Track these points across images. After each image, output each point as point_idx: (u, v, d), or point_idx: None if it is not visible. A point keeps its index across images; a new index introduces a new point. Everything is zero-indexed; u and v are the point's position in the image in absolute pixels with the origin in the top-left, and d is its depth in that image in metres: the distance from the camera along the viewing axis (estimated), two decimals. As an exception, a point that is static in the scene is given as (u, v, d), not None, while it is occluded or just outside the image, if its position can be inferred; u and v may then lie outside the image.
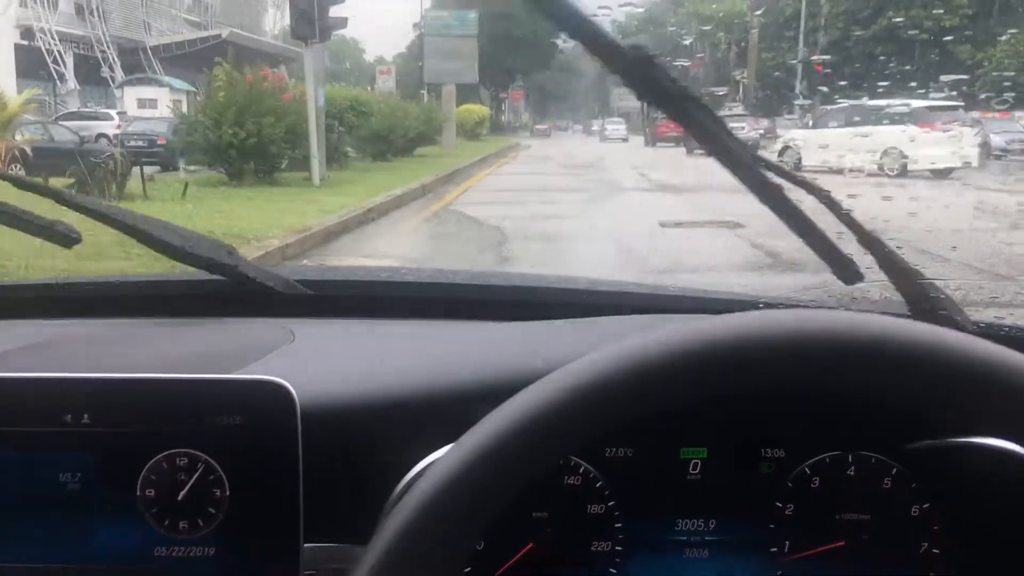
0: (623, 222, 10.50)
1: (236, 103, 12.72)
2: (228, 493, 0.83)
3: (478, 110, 37.45)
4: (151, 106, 27.76)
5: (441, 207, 11.91)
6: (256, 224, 8.53)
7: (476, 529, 0.56)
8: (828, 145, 14.97)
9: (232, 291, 1.16)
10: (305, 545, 0.83)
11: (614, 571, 0.96)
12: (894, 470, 0.95)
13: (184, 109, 16.83)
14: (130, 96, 31.14)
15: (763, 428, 0.95)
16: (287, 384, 0.82)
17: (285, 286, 1.14)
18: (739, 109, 23.68)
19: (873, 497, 0.95)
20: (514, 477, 0.56)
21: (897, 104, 15.04)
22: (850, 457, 0.95)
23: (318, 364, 0.96)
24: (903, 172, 14.20)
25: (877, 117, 15.42)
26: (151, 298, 1.20)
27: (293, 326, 1.09)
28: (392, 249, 8.81)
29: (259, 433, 0.82)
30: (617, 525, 0.96)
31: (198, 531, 0.83)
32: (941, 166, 14.35)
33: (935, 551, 0.95)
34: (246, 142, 12.58)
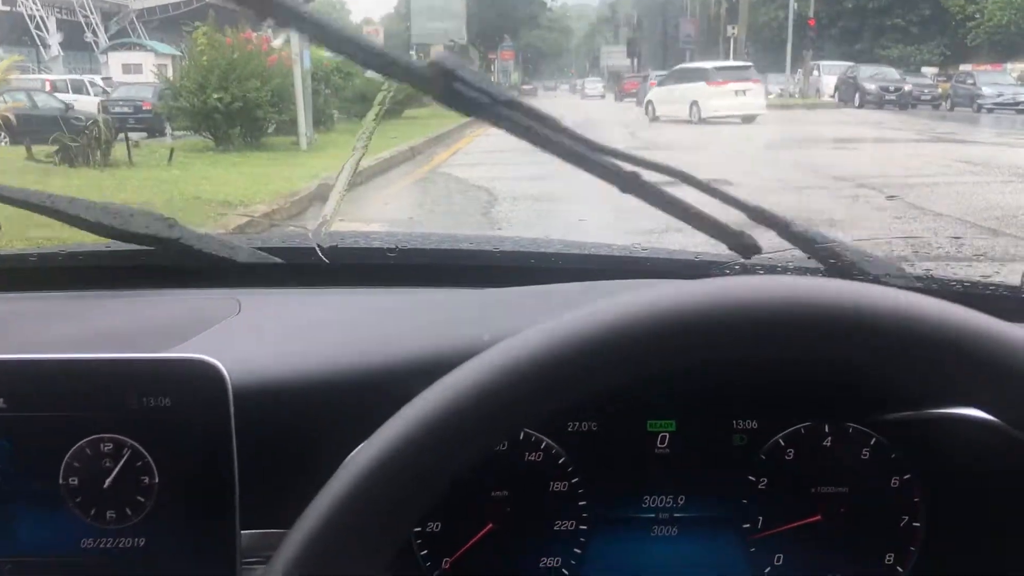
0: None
1: (219, 67, 12.53)
2: (157, 480, 0.77)
3: (467, 70, 37.02)
4: (136, 71, 27.39)
5: (430, 169, 11.79)
6: (243, 189, 8.43)
7: (407, 514, 0.50)
8: (664, 100, 22.09)
9: (179, 262, 1.10)
10: (242, 532, 0.77)
11: (578, 551, 0.91)
12: (872, 441, 0.90)
13: (169, 74, 16.61)
14: (115, 61, 30.73)
15: (735, 399, 0.90)
16: (217, 363, 0.76)
17: (232, 254, 1.08)
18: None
19: (850, 469, 0.90)
20: (452, 456, 0.50)
21: (703, 66, 22.03)
22: (826, 428, 0.90)
23: (258, 339, 0.90)
24: (701, 120, 19.92)
25: (691, 76, 21.96)
26: (88, 270, 1.13)
27: (242, 297, 1.03)
28: (381, 213, 8.72)
29: (189, 416, 0.76)
30: (581, 503, 0.91)
31: (127, 520, 0.77)
32: (724, 113, 19.94)
33: (915, 524, 0.90)
34: (231, 106, 12.41)
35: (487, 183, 9.63)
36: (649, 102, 23.23)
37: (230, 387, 0.76)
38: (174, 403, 0.76)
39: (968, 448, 0.82)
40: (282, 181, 9.08)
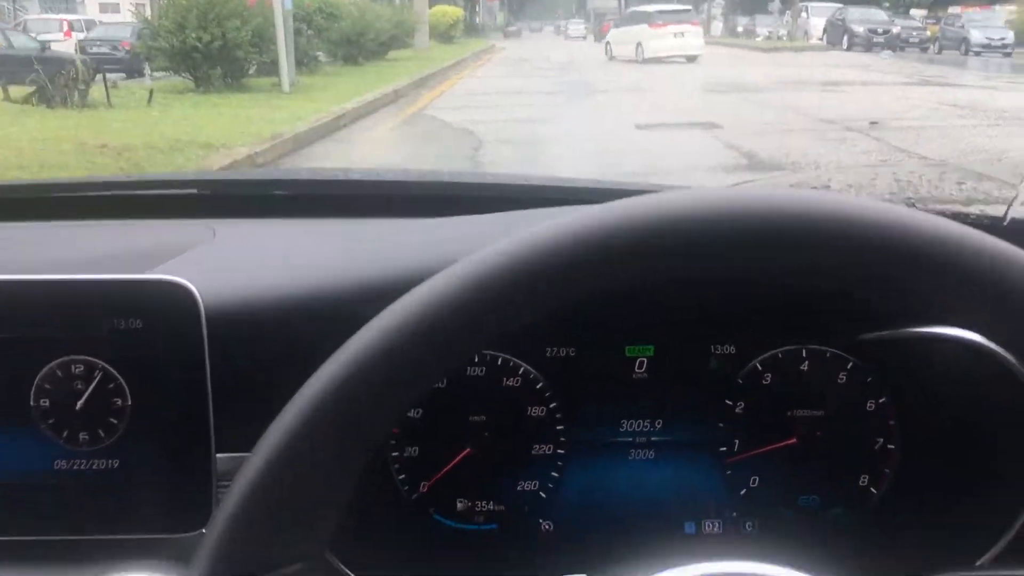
0: (599, 124, 10.34)
1: (198, 5, 12.28)
2: (130, 403, 0.76)
3: (452, 11, 36.40)
4: (113, 10, 26.82)
5: (414, 112, 11.66)
6: (224, 131, 8.32)
7: (362, 442, 0.49)
8: (618, 41, 24.96)
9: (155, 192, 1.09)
10: (218, 456, 0.77)
11: (556, 475, 0.92)
12: (849, 364, 0.90)
13: (148, 13, 16.25)
14: (92, 0, 30.08)
15: (713, 324, 0.89)
16: (189, 284, 0.74)
17: (210, 187, 1.07)
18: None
19: (827, 393, 0.90)
20: (411, 378, 0.49)
21: (647, 9, 24.08)
22: (803, 352, 0.90)
23: (231, 263, 0.89)
24: (644, 59, 22.25)
25: (638, 19, 24.50)
26: (61, 200, 1.11)
27: (218, 226, 1.01)
28: (364, 156, 8.64)
29: (161, 338, 0.75)
30: (559, 428, 0.91)
31: (100, 443, 0.77)
32: (664, 54, 22.41)
33: (890, 447, 0.91)
34: (211, 46, 12.18)
35: (473, 126, 9.54)
36: (607, 43, 26.53)
37: (202, 309, 0.74)
38: (145, 325, 0.75)
39: (944, 369, 0.83)
40: (264, 123, 8.97)
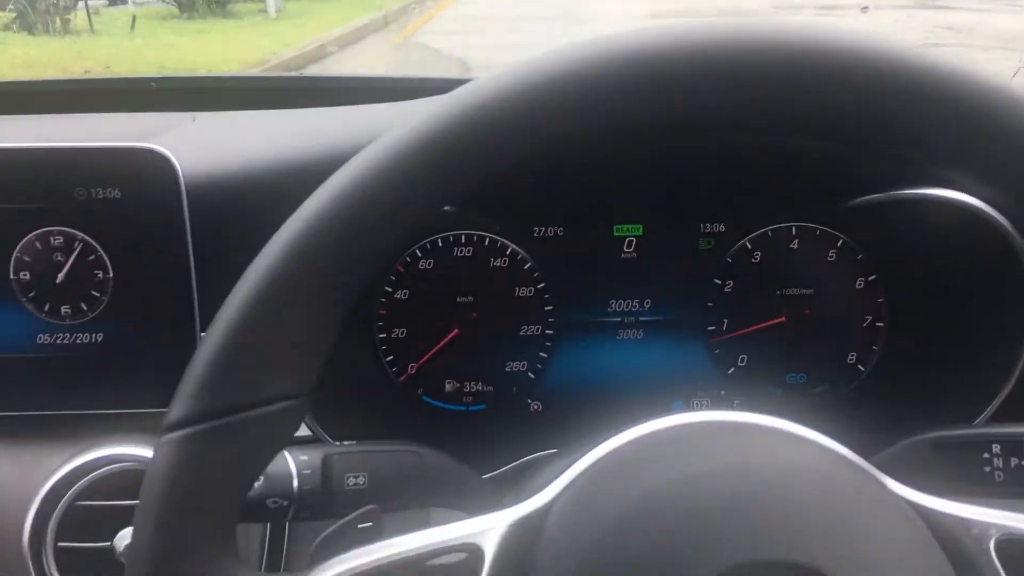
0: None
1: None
2: (112, 275, 0.75)
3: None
4: (94, -63, 26.12)
5: (403, 39, 11.46)
6: (210, 58, 8.16)
7: (343, 280, 0.47)
8: None
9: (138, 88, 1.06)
10: (203, 334, 0.76)
11: (544, 355, 0.91)
12: (839, 242, 0.89)
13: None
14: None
15: (702, 202, 0.88)
16: (167, 152, 0.73)
17: (190, 83, 1.04)
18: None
19: (816, 271, 0.90)
20: (390, 212, 0.47)
21: None
22: (793, 229, 0.89)
23: (211, 139, 0.87)
24: None
25: None
26: (46, 95, 1.09)
27: (200, 114, 0.99)
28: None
29: (141, 207, 0.74)
30: (547, 308, 0.91)
31: (83, 316, 0.76)
32: None
33: (878, 325, 0.90)
34: (195, -30, 11.92)
35: (462, 52, 9.38)
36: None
37: (182, 177, 0.73)
38: (124, 195, 0.73)
39: (933, 238, 0.82)
40: (251, 49, 8.80)
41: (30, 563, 0.73)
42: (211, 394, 0.44)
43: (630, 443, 0.51)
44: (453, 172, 0.45)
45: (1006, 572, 0.46)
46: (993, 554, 0.47)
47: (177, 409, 0.45)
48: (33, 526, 0.73)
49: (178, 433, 0.44)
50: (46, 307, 0.76)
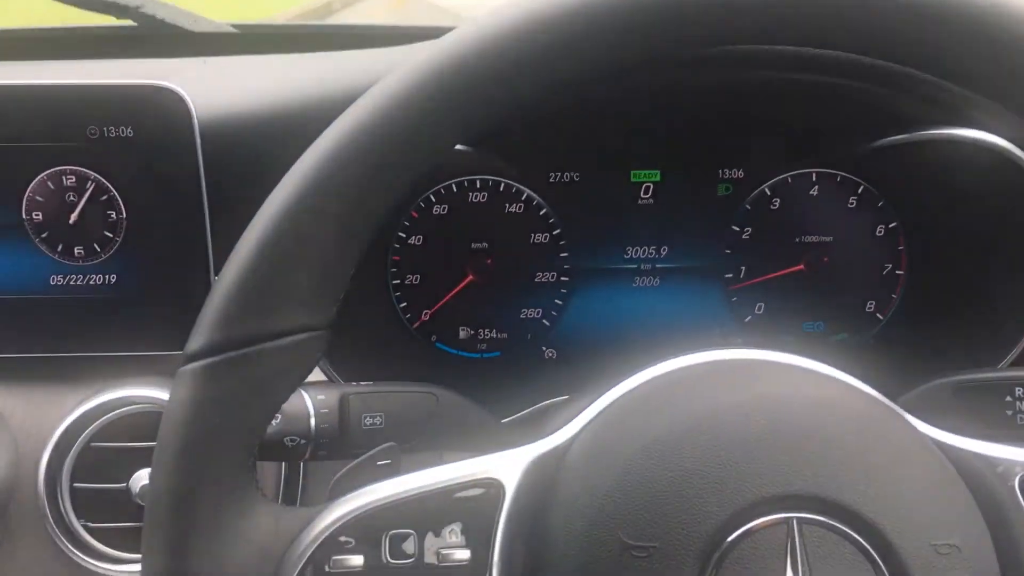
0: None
1: None
2: (125, 215, 0.74)
3: None
4: None
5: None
6: (207, 15, 8.08)
7: (361, 213, 0.46)
8: None
9: (146, 34, 1.04)
10: (218, 273, 0.76)
11: (559, 302, 0.91)
12: (860, 188, 0.88)
13: None
14: None
15: (721, 146, 0.87)
16: (180, 90, 0.72)
17: (197, 24, 1.03)
18: None
19: (836, 218, 0.89)
20: (412, 143, 0.46)
21: None
22: (814, 175, 0.88)
23: (223, 79, 0.86)
24: None
25: None
26: (49, 41, 1.07)
27: (208, 58, 0.98)
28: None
29: (154, 146, 0.73)
30: (563, 255, 0.90)
31: (96, 257, 0.75)
32: None
33: (898, 272, 0.89)
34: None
35: (470, 12, 9.28)
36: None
37: (195, 115, 0.72)
38: (137, 133, 0.73)
39: (958, 184, 0.80)
40: (247, 7, 8.70)
41: (46, 504, 0.73)
42: (231, 325, 0.44)
43: (653, 380, 0.50)
44: (468, 102, 0.44)
45: None
46: (1018, 491, 0.46)
47: (197, 339, 0.44)
48: (48, 467, 0.73)
49: (198, 364, 0.43)
50: (59, 248, 0.75)
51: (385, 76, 0.46)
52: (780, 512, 0.41)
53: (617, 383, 0.51)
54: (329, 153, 0.45)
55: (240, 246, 0.45)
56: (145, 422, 0.74)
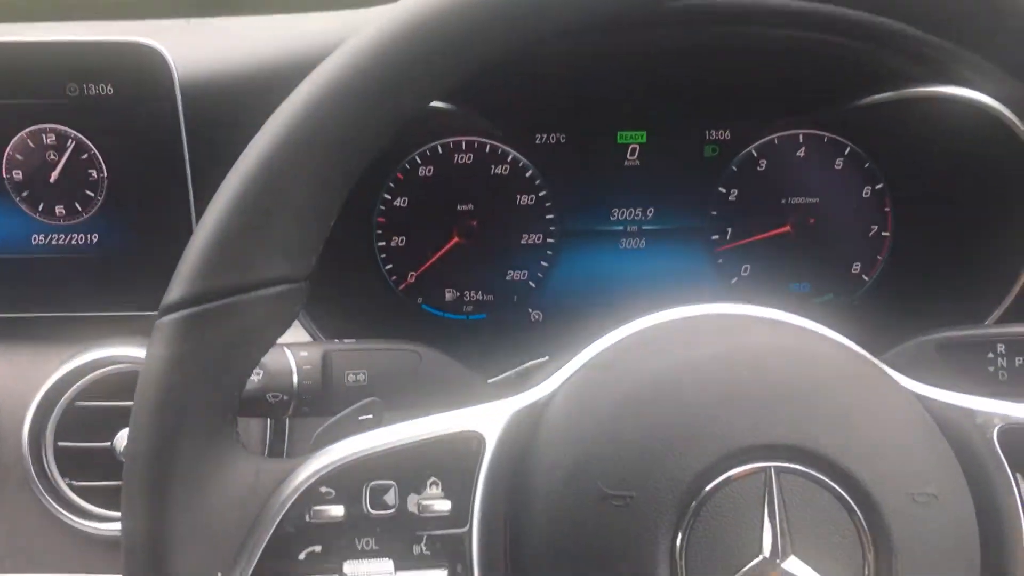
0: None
1: None
2: (106, 174, 0.74)
3: None
4: None
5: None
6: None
7: (340, 164, 0.45)
8: None
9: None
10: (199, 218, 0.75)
11: (545, 264, 0.90)
12: (847, 149, 0.88)
13: None
14: None
15: (707, 107, 0.86)
16: (160, 47, 0.71)
17: None
18: None
19: (823, 179, 0.88)
20: (391, 92, 0.45)
21: None
22: (800, 137, 0.88)
23: (204, 37, 0.85)
24: None
25: None
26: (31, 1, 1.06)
27: (192, 20, 0.96)
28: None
29: (135, 104, 0.72)
30: (548, 216, 0.89)
31: (77, 216, 0.75)
32: None
33: (884, 234, 0.89)
34: None
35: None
36: None
37: (176, 72, 0.71)
38: (118, 91, 0.72)
39: (943, 143, 0.80)
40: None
41: (31, 463, 0.73)
42: (209, 276, 0.43)
43: (634, 334, 0.50)
44: (441, 53, 0.44)
45: (1008, 460, 0.46)
46: (996, 443, 0.47)
47: (175, 291, 0.44)
48: (32, 426, 0.73)
49: (176, 315, 0.43)
50: (40, 207, 0.75)
51: (360, 31, 0.46)
52: (758, 461, 0.41)
53: (599, 338, 0.51)
54: (305, 105, 0.44)
55: (217, 198, 0.45)
56: (128, 381, 0.74)
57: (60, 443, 0.73)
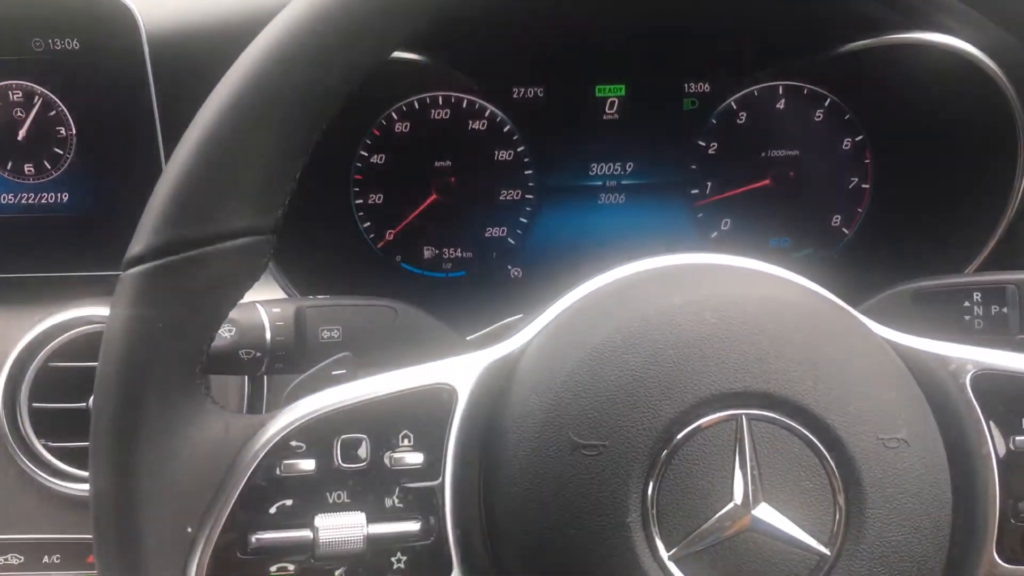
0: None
1: None
2: (74, 131, 0.73)
3: None
4: None
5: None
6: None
7: (302, 113, 0.44)
8: None
9: None
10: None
11: (524, 221, 0.90)
12: (827, 101, 0.87)
13: None
14: None
15: (686, 57, 0.85)
16: (127, 0, 0.69)
17: None
18: None
19: (803, 132, 0.88)
20: (352, 38, 0.44)
21: None
22: (780, 89, 0.87)
23: None
24: None
25: None
26: None
27: None
28: None
29: (101, 59, 0.71)
30: (527, 172, 0.89)
31: (46, 174, 0.74)
32: None
33: (864, 186, 0.89)
34: None
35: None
36: None
37: (143, 26, 0.70)
38: (84, 45, 0.70)
39: (923, 91, 0.80)
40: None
41: (5, 424, 0.72)
42: (172, 228, 0.43)
43: (605, 286, 0.50)
44: None
45: (980, 406, 0.46)
46: (969, 388, 0.47)
47: (138, 243, 0.43)
48: (6, 387, 0.72)
49: (139, 268, 0.42)
50: (8, 165, 0.74)
51: None
52: (728, 409, 0.41)
53: (572, 290, 0.50)
54: (265, 52, 0.43)
55: (180, 147, 0.44)
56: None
57: (35, 404, 0.73)
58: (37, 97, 0.72)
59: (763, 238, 0.90)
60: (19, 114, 0.72)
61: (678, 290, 0.47)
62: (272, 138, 0.43)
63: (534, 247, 0.90)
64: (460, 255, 0.90)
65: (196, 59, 0.72)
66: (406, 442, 0.45)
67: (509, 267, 0.91)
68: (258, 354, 0.57)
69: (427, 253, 0.90)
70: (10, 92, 0.72)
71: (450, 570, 0.44)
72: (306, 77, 0.43)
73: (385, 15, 0.43)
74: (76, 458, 0.73)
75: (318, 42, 0.43)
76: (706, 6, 0.76)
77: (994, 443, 0.46)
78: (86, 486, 0.73)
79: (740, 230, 0.90)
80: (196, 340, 0.44)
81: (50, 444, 0.73)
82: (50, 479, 0.73)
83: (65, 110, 0.72)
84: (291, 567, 0.44)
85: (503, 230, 0.90)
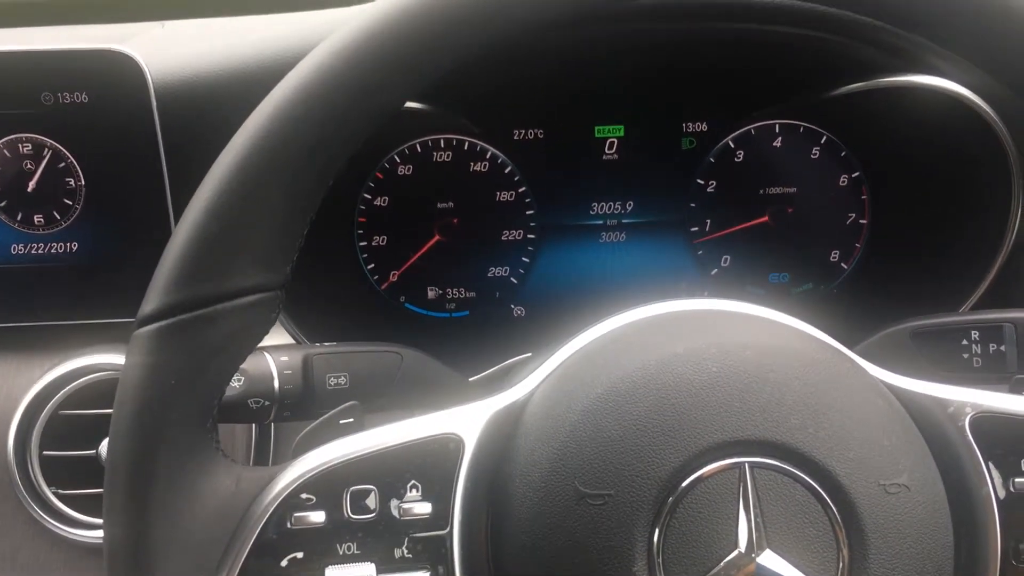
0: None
1: None
2: (83, 182, 0.74)
3: None
4: None
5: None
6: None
7: (314, 170, 0.45)
8: None
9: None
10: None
11: (526, 260, 0.91)
12: (823, 139, 0.88)
13: None
14: None
15: (683, 98, 0.87)
16: (134, 53, 0.71)
17: None
18: None
19: (800, 169, 0.89)
20: (364, 96, 0.45)
21: None
22: (777, 127, 0.88)
23: (179, 41, 0.85)
24: None
25: None
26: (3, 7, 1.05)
27: (168, 23, 0.96)
28: None
29: (110, 112, 0.72)
30: (528, 212, 0.90)
31: (56, 225, 0.75)
32: None
33: (862, 222, 0.90)
34: None
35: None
36: None
37: (150, 79, 0.71)
38: (92, 99, 0.72)
39: (918, 132, 0.81)
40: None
41: (16, 472, 0.73)
42: (184, 287, 0.44)
43: (609, 332, 0.51)
44: (414, 53, 0.44)
45: (979, 448, 0.47)
46: (968, 431, 0.47)
47: (150, 302, 0.44)
48: (17, 435, 0.73)
49: (152, 327, 0.43)
50: (18, 216, 0.75)
51: (332, 35, 0.46)
52: (732, 457, 0.42)
53: (573, 337, 0.51)
54: (278, 109, 0.44)
55: (191, 206, 0.45)
56: (111, 389, 0.73)
57: (45, 452, 0.73)
58: (47, 149, 0.73)
59: (762, 274, 0.91)
60: (29, 166, 0.73)
61: (680, 339, 0.47)
62: (281, 198, 0.44)
63: (537, 286, 0.91)
64: (463, 295, 0.91)
65: (203, 110, 0.73)
66: (414, 492, 0.46)
67: (512, 306, 0.92)
68: (266, 403, 0.58)
69: (431, 294, 0.91)
70: (20, 145, 0.73)
71: None
72: (316, 135, 0.44)
73: (393, 76, 0.44)
74: (86, 505, 0.73)
75: (326, 103, 0.44)
76: (702, 51, 0.78)
77: (994, 485, 0.46)
78: (96, 533, 0.74)
79: (740, 266, 0.91)
80: (207, 395, 0.45)
81: (60, 491, 0.73)
82: (60, 526, 0.73)
83: (74, 161, 0.73)
84: None
85: (506, 269, 0.91)
